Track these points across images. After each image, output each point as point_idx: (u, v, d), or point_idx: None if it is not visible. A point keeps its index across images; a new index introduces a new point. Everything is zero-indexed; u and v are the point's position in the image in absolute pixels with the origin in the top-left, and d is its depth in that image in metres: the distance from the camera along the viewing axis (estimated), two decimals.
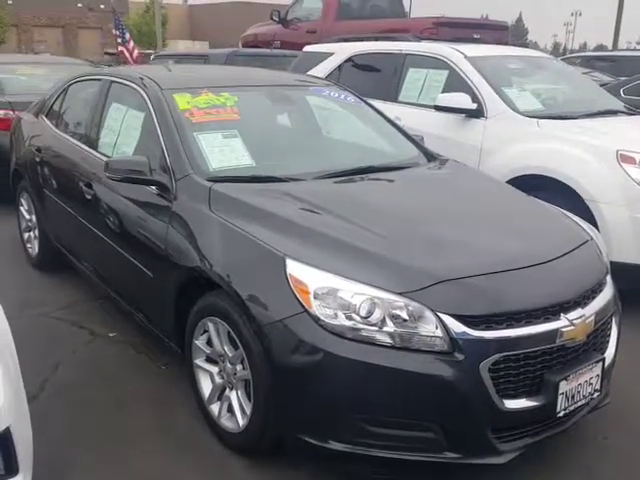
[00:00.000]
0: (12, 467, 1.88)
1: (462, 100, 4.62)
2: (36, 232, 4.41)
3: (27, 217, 4.54)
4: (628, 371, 3.07)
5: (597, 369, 2.35)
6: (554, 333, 2.19)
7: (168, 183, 2.83)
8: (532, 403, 2.19)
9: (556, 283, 2.32)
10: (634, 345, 3.52)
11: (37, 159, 4.14)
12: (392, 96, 5.31)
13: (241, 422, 2.45)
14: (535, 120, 4.38)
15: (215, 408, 2.60)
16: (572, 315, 2.25)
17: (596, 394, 2.38)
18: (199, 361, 2.67)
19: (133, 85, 3.37)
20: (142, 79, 3.34)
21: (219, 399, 2.60)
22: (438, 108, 4.75)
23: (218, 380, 2.59)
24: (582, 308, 2.30)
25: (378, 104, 5.33)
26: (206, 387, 2.64)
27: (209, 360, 2.64)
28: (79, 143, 3.72)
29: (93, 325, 3.67)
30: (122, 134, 3.37)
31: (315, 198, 2.65)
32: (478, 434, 2.15)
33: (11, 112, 5.62)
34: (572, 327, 2.22)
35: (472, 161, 4.56)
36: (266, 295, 2.27)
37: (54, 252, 4.21)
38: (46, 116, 4.33)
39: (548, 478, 2.46)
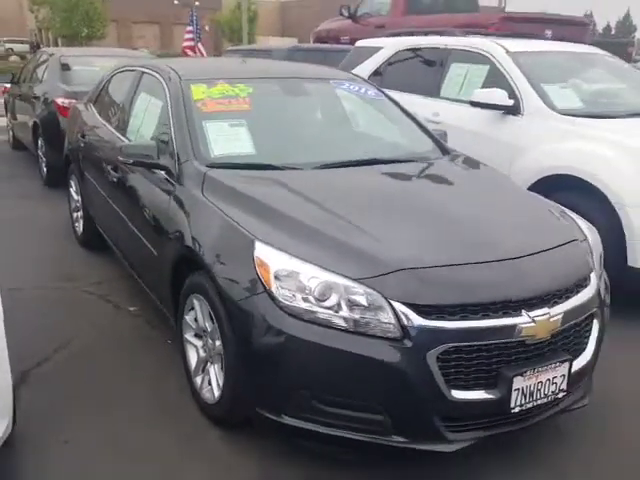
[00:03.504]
0: None
1: (498, 96, 4.53)
2: (81, 212, 4.75)
3: (75, 198, 4.89)
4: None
5: (563, 369, 2.31)
6: (512, 328, 2.18)
7: (173, 168, 3.01)
8: (484, 396, 2.20)
9: (521, 279, 2.29)
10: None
11: (81, 144, 4.47)
12: (434, 91, 5.28)
13: (216, 394, 2.59)
14: (571, 118, 4.23)
15: (199, 380, 2.75)
16: (535, 312, 2.22)
17: (561, 394, 2.34)
18: (188, 336, 2.83)
19: (157, 76, 3.60)
20: (166, 70, 3.55)
21: (203, 372, 2.75)
22: (473, 104, 4.68)
23: (202, 354, 2.73)
24: (549, 306, 2.27)
25: (420, 99, 5.36)
26: (193, 360, 2.80)
27: (197, 335, 2.79)
28: (112, 129, 4.00)
29: (118, 300, 3.95)
30: (145, 121, 3.60)
31: (301, 186, 2.74)
32: (425, 421, 2.18)
33: (75, 101, 6.03)
34: (532, 324, 2.20)
35: (505, 159, 4.47)
36: (236, 275, 2.39)
37: (95, 231, 4.52)
38: (93, 104, 4.66)
39: (515, 475, 2.44)
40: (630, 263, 3.75)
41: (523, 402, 2.24)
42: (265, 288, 2.25)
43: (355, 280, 2.18)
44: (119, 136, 3.82)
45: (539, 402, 2.28)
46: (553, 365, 2.28)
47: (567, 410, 2.50)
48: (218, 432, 2.64)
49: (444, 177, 3.14)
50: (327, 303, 2.17)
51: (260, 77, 3.65)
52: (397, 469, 2.43)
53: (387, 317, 2.14)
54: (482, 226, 2.57)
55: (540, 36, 7.53)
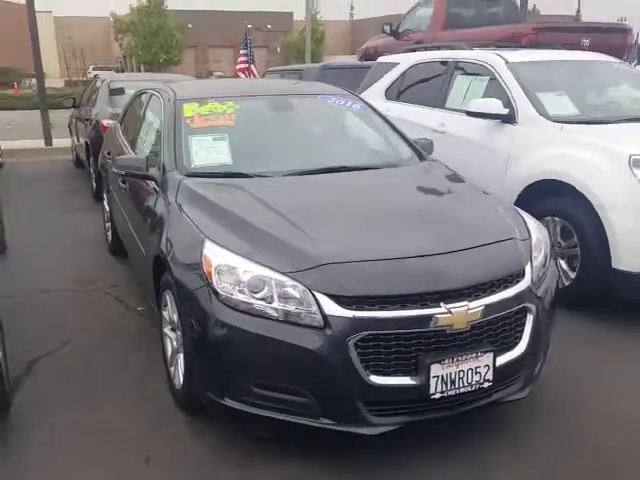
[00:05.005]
0: None
1: (492, 105, 4.65)
2: (110, 223, 5.21)
3: (107, 209, 5.36)
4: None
5: (486, 360, 2.44)
6: (428, 318, 2.35)
7: (158, 178, 3.36)
8: (403, 382, 2.36)
9: (440, 274, 2.46)
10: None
11: (107, 160, 4.94)
12: (440, 103, 5.45)
13: (181, 381, 2.88)
14: (559, 125, 4.29)
15: (172, 369, 3.04)
16: (453, 304, 2.38)
17: (486, 384, 2.46)
18: (166, 329, 3.13)
19: (160, 96, 3.99)
20: (166, 92, 3.93)
21: (175, 362, 3.04)
22: (470, 113, 4.81)
23: (175, 345, 3.02)
24: (469, 299, 2.41)
25: (428, 111, 5.54)
26: (168, 352, 3.10)
27: (172, 329, 3.09)
28: (127, 145, 4.43)
29: (129, 300, 4.33)
30: (147, 137, 3.99)
31: (261, 191, 3.02)
32: (348, 404, 2.38)
33: None
34: (449, 315, 2.35)
35: (501, 166, 4.59)
36: (189, 270, 2.67)
37: (119, 239, 4.95)
38: (120, 124, 5.13)
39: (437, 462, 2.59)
40: (614, 265, 3.77)
41: (444, 389, 2.38)
42: (208, 282, 2.52)
43: (283, 273, 2.42)
44: (130, 151, 4.24)
45: (462, 390, 2.42)
46: (475, 355, 2.42)
47: (502, 402, 2.62)
48: (185, 417, 2.92)
49: (403, 182, 3.33)
50: (259, 295, 2.42)
51: (249, 95, 3.96)
52: (326, 456, 2.61)
53: (311, 307, 2.36)
54: (417, 226, 2.77)
55: (576, 45, 7.52)
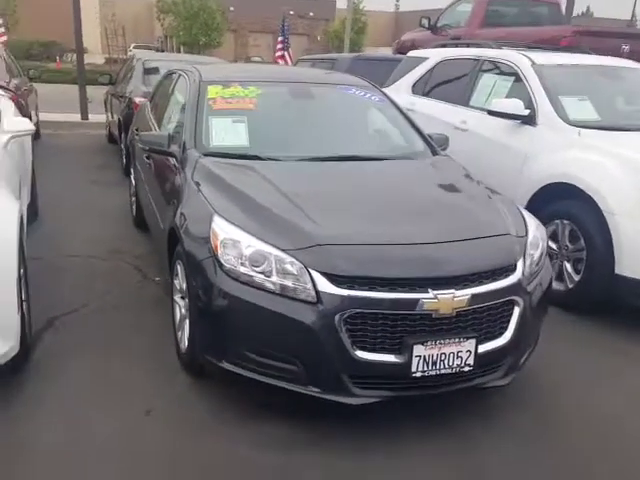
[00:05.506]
0: None
1: (514, 106, 4.72)
2: (135, 197, 5.43)
3: (133, 184, 5.58)
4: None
5: (468, 345, 2.57)
6: (415, 302, 2.49)
7: (178, 155, 3.53)
8: (386, 358, 2.51)
9: (431, 261, 2.60)
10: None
11: (135, 136, 5.15)
12: (464, 100, 5.52)
13: (186, 345, 3.07)
14: (577, 129, 4.35)
15: (179, 334, 3.24)
16: (440, 291, 2.51)
17: (467, 368, 2.60)
18: (176, 297, 3.32)
19: (187, 77, 4.17)
20: (193, 73, 4.11)
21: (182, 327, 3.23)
22: (491, 113, 4.88)
23: (183, 312, 3.21)
24: (457, 288, 2.54)
25: (451, 107, 5.63)
26: (177, 318, 3.29)
27: (182, 297, 3.28)
28: (154, 122, 4.62)
29: (148, 271, 4.55)
30: (173, 116, 4.17)
31: (272, 174, 3.17)
32: (333, 374, 2.54)
33: None
34: (435, 300, 2.49)
35: (517, 167, 4.65)
36: (197, 242, 2.85)
37: (143, 212, 5.16)
38: (150, 102, 5.33)
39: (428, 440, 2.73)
40: (617, 271, 3.83)
41: (425, 369, 2.53)
42: (214, 254, 2.69)
43: (283, 250, 2.58)
44: (156, 128, 4.43)
45: (443, 372, 2.56)
46: (458, 340, 2.55)
47: (483, 387, 2.75)
48: (190, 379, 3.11)
49: (411, 174, 3.46)
50: (259, 268, 2.59)
51: (272, 81, 4.11)
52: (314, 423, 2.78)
53: (306, 284, 2.52)
54: (417, 216, 2.90)
55: (615, 51, 7.45)
